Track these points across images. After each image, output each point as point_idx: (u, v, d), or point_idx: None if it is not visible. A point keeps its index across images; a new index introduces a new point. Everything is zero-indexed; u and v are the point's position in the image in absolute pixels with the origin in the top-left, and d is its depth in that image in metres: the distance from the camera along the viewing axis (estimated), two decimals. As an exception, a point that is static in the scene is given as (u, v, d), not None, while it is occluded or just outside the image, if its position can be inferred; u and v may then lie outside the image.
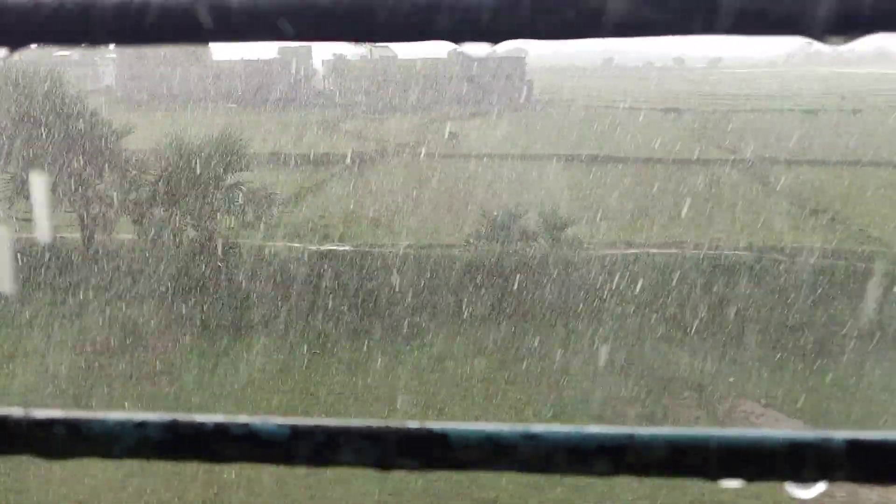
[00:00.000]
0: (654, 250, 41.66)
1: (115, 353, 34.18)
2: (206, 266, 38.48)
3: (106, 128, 42.12)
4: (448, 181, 54.85)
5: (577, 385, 32.51)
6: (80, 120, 40.90)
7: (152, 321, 36.46)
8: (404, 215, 47.54)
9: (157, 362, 33.85)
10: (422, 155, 65.34)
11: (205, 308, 37.10)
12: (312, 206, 51.44)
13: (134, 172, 41.08)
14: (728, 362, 34.69)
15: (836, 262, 39.96)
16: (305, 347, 35.05)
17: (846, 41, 0.73)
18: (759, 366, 34.22)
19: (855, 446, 0.81)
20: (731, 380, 33.25)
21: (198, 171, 38.95)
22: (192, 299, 37.36)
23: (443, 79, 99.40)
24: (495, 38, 0.75)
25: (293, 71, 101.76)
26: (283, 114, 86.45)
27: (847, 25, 0.72)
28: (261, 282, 38.32)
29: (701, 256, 40.62)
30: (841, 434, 0.82)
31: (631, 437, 0.85)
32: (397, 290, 38.32)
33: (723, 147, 71.42)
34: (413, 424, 0.86)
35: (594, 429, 0.85)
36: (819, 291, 37.94)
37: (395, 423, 0.86)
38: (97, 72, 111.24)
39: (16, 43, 0.77)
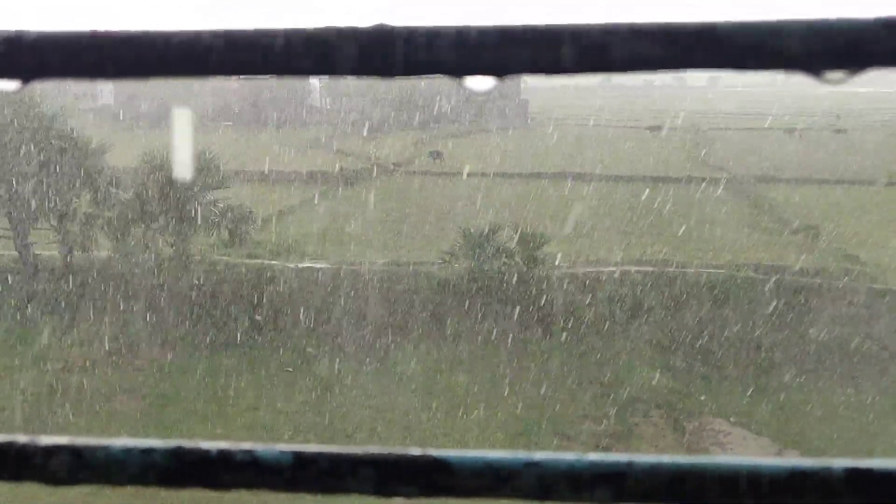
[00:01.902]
0: (632, 268, 41.75)
1: (89, 370, 34.14)
2: (176, 283, 38.56)
3: (84, 146, 42.13)
4: (432, 200, 55.00)
5: (544, 402, 32.65)
6: (60, 139, 40.98)
7: (122, 338, 36.44)
8: (385, 233, 47.70)
9: (132, 379, 33.84)
10: (409, 173, 65.72)
11: (172, 325, 37.16)
12: (294, 223, 51.52)
13: (113, 190, 41.15)
14: (698, 380, 34.82)
15: (811, 280, 40.07)
16: (275, 364, 35.20)
17: (844, 78, 0.74)
18: (728, 384, 34.35)
19: (854, 474, 0.82)
20: (702, 398, 33.37)
21: (173, 190, 39.13)
22: (161, 316, 37.41)
23: (439, 97, 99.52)
24: (499, 73, 0.76)
25: (290, 89, 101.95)
26: (278, 131, 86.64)
27: (844, 62, 0.73)
28: (232, 299, 38.39)
29: (676, 275, 40.73)
30: (840, 462, 0.82)
31: (631, 464, 0.85)
32: (370, 306, 38.43)
33: (711, 165, 71.79)
34: (415, 451, 0.86)
35: (595, 456, 0.86)
36: (791, 309, 38.08)
37: (397, 449, 0.87)
38: (95, 90, 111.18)
39: (28, 76, 0.77)
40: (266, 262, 41.94)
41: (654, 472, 0.85)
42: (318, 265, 41.98)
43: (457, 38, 0.75)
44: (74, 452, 0.87)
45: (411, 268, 41.34)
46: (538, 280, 39.28)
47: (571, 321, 37.85)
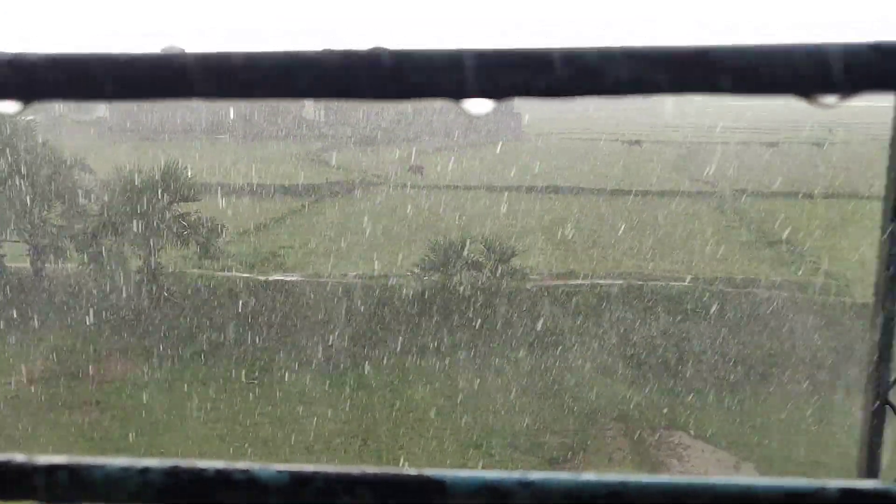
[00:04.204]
0: (601, 281, 41.83)
1: (53, 382, 34.19)
2: (143, 295, 38.77)
3: (58, 157, 42.40)
4: (412, 213, 55.16)
5: (504, 414, 32.76)
6: (33, 150, 41.25)
7: (88, 350, 36.47)
8: (360, 245, 47.85)
9: (96, 391, 33.95)
10: (393, 187, 66.00)
11: (139, 337, 37.35)
12: (274, 236, 51.71)
13: (83, 202, 41.32)
14: (661, 393, 34.94)
15: (781, 293, 40.15)
16: (240, 376, 35.36)
17: (836, 102, 0.75)
18: (692, 397, 34.46)
19: (849, 495, 0.82)
20: (664, 410, 33.48)
21: (142, 202, 39.40)
22: (128, 328, 37.63)
23: (432, 111, 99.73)
24: (496, 96, 0.77)
25: (284, 101, 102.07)
26: (270, 144, 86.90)
27: (836, 86, 0.74)
28: (200, 311, 38.58)
29: (646, 287, 40.81)
30: (835, 483, 0.83)
31: (625, 484, 0.85)
32: (337, 318, 38.65)
33: (693, 179, 72.07)
34: (411, 471, 0.87)
35: (589, 476, 0.87)
36: (759, 323, 38.20)
37: (392, 469, 0.87)
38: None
39: (30, 97, 0.78)
40: (236, 274, 42.09)
41: (648, 491, 0.85)
42: (289, 278, 42.12)
43: (453, 61, 0.76)
44: (72, 471, 0.87)
45: (380, 280, 41.57)
46: (506, 292, 39.45)
47: (537, 333, 38.02)
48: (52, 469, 0.87)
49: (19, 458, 0.88)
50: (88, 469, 0.87)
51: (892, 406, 8.26)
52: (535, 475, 0.85)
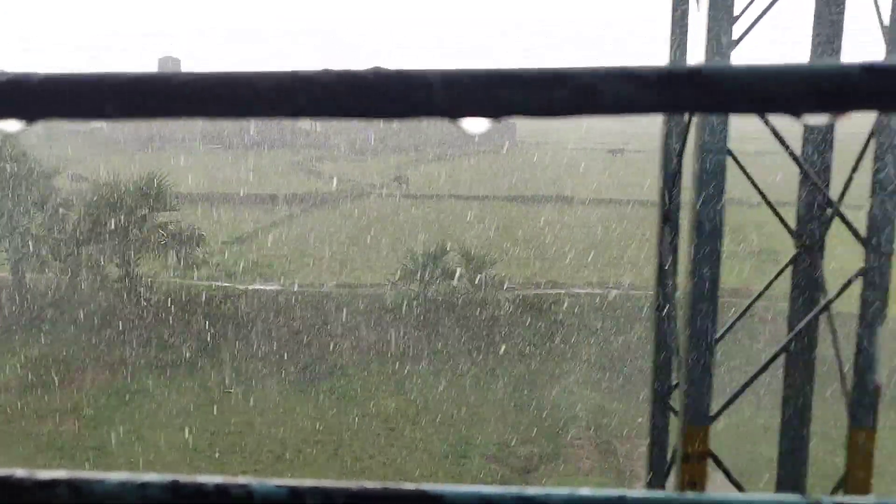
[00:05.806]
0: (581, 290, 41.83)
1: (30, 391, 34.23)
2: (121, 305, 38.88)
3: (37, 167, 42.43)
4: (398, 223, 55.22)
5: (476, 424, 32.82)
6: (12, 160, 41.30)
7: (65, 359, 36.50)
8: (343, 255, 47.86)
9: (72, 402, 33.94)
10: (381, 196, 66.18)
11: (116, 346, 37.46)
12: (257, 245, 51.79)
13: (63, 212, 41.41)
14: (637, 402, 34.95)
15: (761, 302, 40.13)
16: (216, 385, 35.47)
17: (827, 120, 0.76)
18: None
19: None
20: (639, 420, 33.44)
21: (122, 212, 39.56)
22: (105, 338, 37.68)
23: (428, 121, 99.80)
24: (492, 115, 0.78)
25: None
26: (264, 153, 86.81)
27: (827, 105, 0.75)
28: (177, 320, 38.65)
29: (625, 297, 40.78)
30: (829, 499, 0.83)
31: (623, 499, 0.86)
32: (314, 327, 38.82)
33: (685, 188, 71.74)
34: (409, 486, 0.87)
35: (587, 491, 0.87)
36: (736, 333, 38.04)
37: (391, 484, 0.88)
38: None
39: (32, 116, 0.79)
40: (216, 283, 42.16)
41: None
42: (269, 287, 42.17)
43: (451, 81, 0.77)
44: (72, 486, 0.88)
45: (358, 290, 41.71)
46: (483, 302, 39.51)
47: (512, 343, 38.11)
48: (52, 483, 0.88)
49: (20, 472, 0.89)
50: (88, 483, 0.88)
51: (671, 407, 8.23)
52: (533, 490, 0.86)
